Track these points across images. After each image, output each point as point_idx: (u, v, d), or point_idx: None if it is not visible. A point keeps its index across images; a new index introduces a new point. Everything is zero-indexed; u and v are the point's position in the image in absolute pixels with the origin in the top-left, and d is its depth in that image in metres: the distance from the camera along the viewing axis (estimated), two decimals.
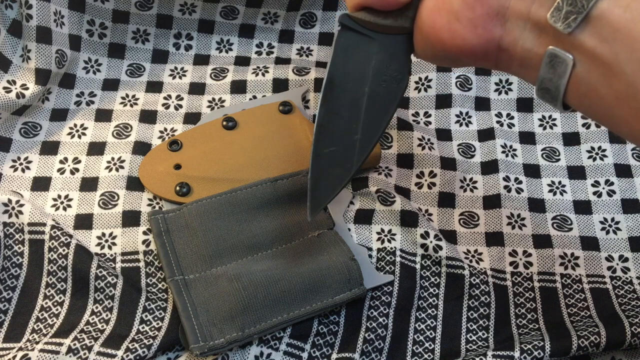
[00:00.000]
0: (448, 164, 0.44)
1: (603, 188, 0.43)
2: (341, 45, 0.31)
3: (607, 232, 0.41)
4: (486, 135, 0.46)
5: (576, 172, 0.44)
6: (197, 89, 0.47)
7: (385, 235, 0.40)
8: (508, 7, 0.25)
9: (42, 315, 0.35)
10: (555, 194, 0.43)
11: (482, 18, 0.26)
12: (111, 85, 0.47)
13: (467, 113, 0.47)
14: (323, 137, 0.32)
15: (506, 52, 0.26)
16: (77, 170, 0.42)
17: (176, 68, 0.48)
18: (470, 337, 0.36)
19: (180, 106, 0.46)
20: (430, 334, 0.36)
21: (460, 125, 0.46)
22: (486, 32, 0.26)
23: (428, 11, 0.28)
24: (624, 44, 0.22)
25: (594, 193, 0.43)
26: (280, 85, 0.47)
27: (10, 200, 0.38)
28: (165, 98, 0.46)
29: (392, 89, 0.31)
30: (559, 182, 0.44)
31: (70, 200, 0.40)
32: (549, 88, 0.25)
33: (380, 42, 0.31)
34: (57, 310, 0.35)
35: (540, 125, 0.47)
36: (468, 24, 0.26)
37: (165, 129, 0.45)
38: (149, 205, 0.41)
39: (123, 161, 0.42)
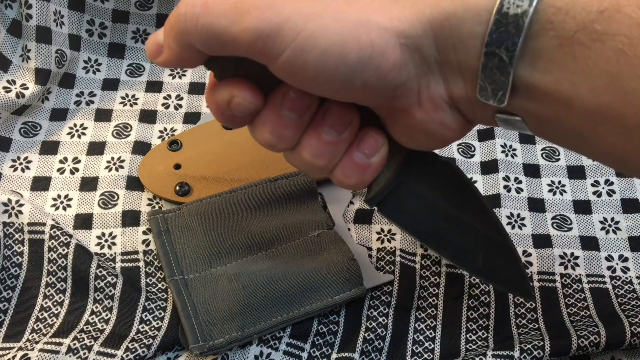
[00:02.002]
0: None
1: (603, 188, 0.43)
2: (391, 214, 0.31)
3: (607, 232, 0.41)
4: (486, 135, 0.46)
5: (576, 172, 0.44)
6: (197, 89, 0.47)
7: (385, 235, 0.40)
8: (451, 97, 0.25)
9: (42, 315, 0.35)
10: (555, 194, 0.43)
11: (445, 117, 0.26)
12: (111, 85, 0.47)
13: None
14: (466, 263, 0.32)
15: (474, 122, 0.27)
16: (77, 170, 0.42)
17: (176, 68, 0.48)
18: (470, 337, 0.36)
19: (180, 106, 0.46)
20: (430, 334, 0.36)
21: None
22: (454, 124, 0.26)
23: (405, 140, 0.28)
24: (559, 105, 0.23)
25: (594, 193, 0.43)
26: None
27: (10, 200, 0.38)
28: (165, 98, 0.46)
29: (452, 179, 0.31)
30: (559, 182, 0.44)
31: (70, 200, 0.40)
32: (519, 130, 0.26)
33: (405, 178, 0.30)
34: (57, 310, 0.35)
35: None
36: (439, 129, 0.26)
37: (165, 129, 0.45)
38: (149, 205, 0.41)
39: (123, 161, 0.42)
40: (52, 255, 0.37)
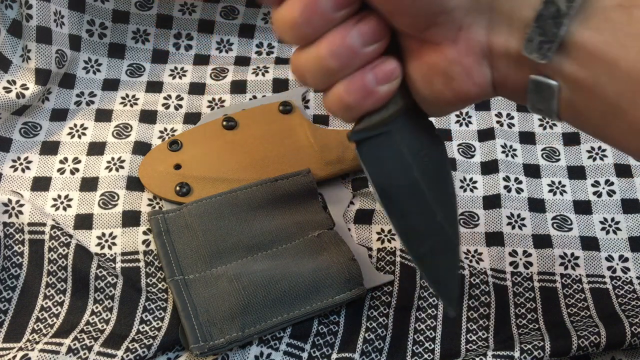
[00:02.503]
0: None
1: (603, 188, 0.43)
2: (367, 155, 0.30)
3: (607, 232, 0.41)
4: (486, 135, 0.46)
5: (576, 172, 0.44)
6: (197, 89, 0.47)
7: (385, 235, 0.40)
8: (490, 47, 0.25)
9: (42, 315, 0.35)
10: (555, 194, 0.43)
11: (472, 66, 0.26)
12: (111, 85, 0.47)
13: (467, 113, 0.47)
14: (412, 241, 0.31)
15: (500, 86, 0.27)
16: (77, 170, 0.42)
17: (176, 68, 0.48)
18: (470, 337, 0.36)
19: (180, 106, 0.46)
20: (430, 334, 0.36)
21: (460, 125, 0.46)
22: (480, 77, 0.26)
23: (420, 82, 0.28)
24: (602, 68, 0.22)
25: (594, 193, 0.43)
26: (280, 85, 0.47)
27: (10, 200, 0.38)
28: (165, 98, 0.46)
29: (436, 156, 0.31)
30: (559, 182, 0.44)
31: (70, 200, 0.40)
32: (541, 109, 0.26)
33: (396, 128, 0.30)
34: (57, 310, 0.35)
35: (540, 125, 0.47)
36: (463, 77, 0.26)
37: (165, 129, 0.45)
38: (149, 205, 0.41)
39: (123, 161, 0.42)
40: (52, 255, 0.37)
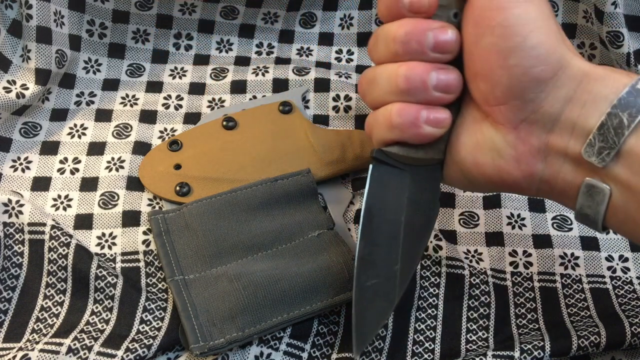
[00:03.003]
0: None
1: None
2: (375, 178, 0.32)
3: (607, 232, 0.41)
4: None
5: None
6: (197, 89, 0.47)
7: None
8: (548, 144, 0.28)
9: (42, 315, 0.35)
10: None
11: (524, 155, 0.28)
12: (111, 85, 0.47)
13: None
14: (364, 269, 0.31)
15: (547, 183, 0.29)
16: (77, 170, 0.42)
17: (176, 68, 0.48)
18: (470, 337, 0.36)
19: (180, 106, 0.46)
20: (430, 334, 0.36)
21: None
22: (529, 167, 0.29)
23: (468, 150, 0.30)
24: None
25: None
26: (280, 85, 0.47)
27: (10, 200, 0.38)
28: (165, 98, 0.46)
29: (426, 217, 0.32)
30: None
31: (70, 200, 0.40)
32: (588, 214, 0.28)
33: (412, 173, 0.32)
34: (57, 310, 0.35)
35: None
36: (511, 160, 0.29)
37: (165, 129, 0.45)
38: (149, 205, 0.41)
39: (123, 161, 0.42)
40: (52, 255, 0.37)
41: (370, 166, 0.32)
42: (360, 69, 0.49)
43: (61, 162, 0.42)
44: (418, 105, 0.30)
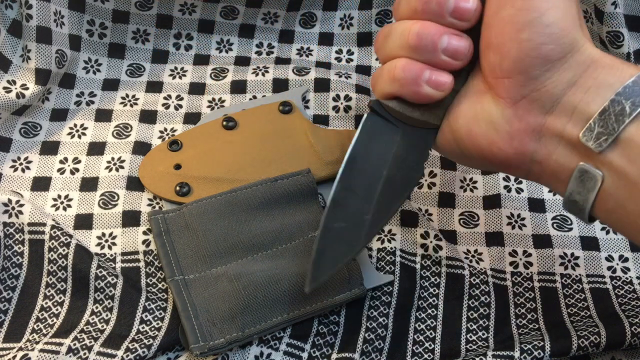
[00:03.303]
0: (448, 163, 0.44)
1: None
2: (367, 127, 0.33)
3: (607, 232, 0.41)
4: None
5: None
6: (197, 89, 0.47)
7: (385, 235, 0.40)
8: (544, 124, 0.28)
9: (42, 315, 0.35)
10: (555, 193, 0.43)
11: (519, 132, 0.28)
12: (111, 85, 0.47)
13: None
14: (335, 212, 0.32)
15: (539, 164, 0.29)
16: (77, 170, 0.42)
17: (176, 68, 0.48)
18: (470, 337, 0.36)
19: (180, 106, 0.46)
20: (430, 334, 0.36)
21: None
22: (522, 145, 0.29)
23: (465, 119, 0.30)
24: None
25: None
26: (280, 85, 0.47)
27: (10, 200, 0.38)
28: (165, 98, 0.46)
29: (408, 177, 0.33)
30: None
31: (70, 200, 0.40)
32: (577, 201, 0.28)
33: (404, 132, 0.32)
34: (57, 310, 0.35)
35: None
36: (505, 135, 0.29)
37: (165, 129, 0.45)
38: (149, 205, 0.41)
39: (123, 161, 0.42)
40: (52, 255, 0.37)
41: (365, 114, 0.33)
42: (360, 69, 0.49)
43: (61, 162, 0.42)
44: (423, 65, 0.30)
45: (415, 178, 0.33)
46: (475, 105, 0.30)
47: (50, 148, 0.43)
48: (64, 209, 0.40)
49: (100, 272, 0.36)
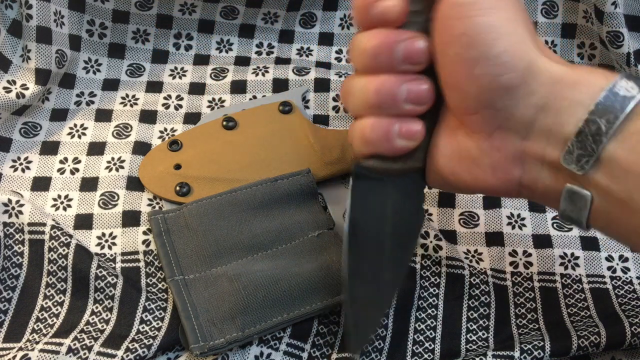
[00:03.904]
0: None
1: None
2: (357, 192, 0.32)
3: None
4: None
5: None
6: (197, 89, 0.47)
7: None
8: (524, 150, 0.27)
9: (42, 315, 0.35)
10: None
11: (500, 162, 0.28)
12: (111, 85, 0.47)
13: None
14: (355, 283, 0.32)
15: (527, 188, 0.28)
16: (77, 170, 0.42)
17: (176, 68, 0.48)
18: (470, 337, 0.36)
19: (180, 106, 0.46)
20: (430, 334, 0.36)
21: None
22: (506, 174, 0.28)
23: (445, 158, 0.30)
24: (635, 184, 0.24)
25: None
26: (280, 85, 0.47)
27: (10, 200, 0.38)
28: (165, 98, 0.46)
29: (411, 223, 0.32)
30: None
31: (70, 200, 0.40)
32: (572, 217, 0.27)
33: (393, 184, 0.31)
34: (57, 310, 0.35)
35: None
36: (487, 168, 0.28)
37: (165, 129, 0.45)
38: (149, 205, 0.41)
39: (123, 161, 0.42)
40: (52, 255, 0.37)
41: (351, 181, 0.32)
42: None
43: (61, 162, 0.42)
44: (390, 120, 0.29)
45: (419, 220, 0.33)
46: (451, 143, 0.29)
47: (50, 148, 0.43)
48: (64, 209, 0.40)
49: (100, 272, 0.36)
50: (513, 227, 0.41)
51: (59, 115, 0.45)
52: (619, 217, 0.25)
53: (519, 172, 0.28)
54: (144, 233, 0.39)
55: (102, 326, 0.35)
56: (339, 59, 0.50)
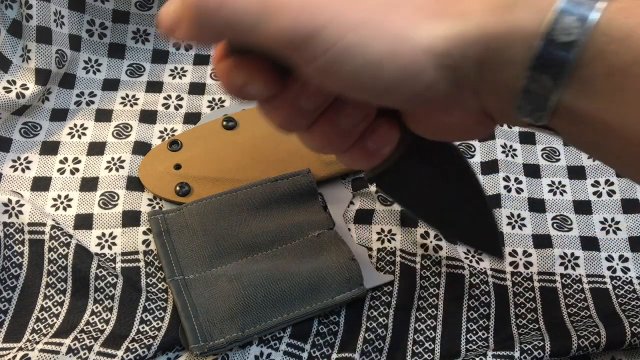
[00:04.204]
0: None
1: (603, 188, 0.43)
2: (386, 189, 0.32)
3: (607, 232, 0.41)
4: None
5: (576, 172, 0.44)
6: (197, 89, 0.47)
7: (385, 235, 0.40)
8: (483, 108, 0.24)
9: (42, 315, 0.35)
10: (555, 194, 0.43)
11: (471, 124, 0.25)
12: (111, 85, 0.47)
13: None
14: (445, 228, 0.34)
15: (502, 124, 0.28)
16: (77, 170, 0.42)
17: (176, 68, 0.48)
18: (470, 337, 0.36)
19: (180, 106, 0.46)
20: (430, 334, 0.36)
21: None
22: (481, 131, 0.26)
23: (422, 132, 0.27)
24: (603, 130, 0.22)
25: (594, 193, 0.43)
26: None
27: (10, 200, 0.38)
28: (165, 98, 0.46)
29: (451, 158, 0.31)
30: (559, 182, 0.44)
31: (70, 200, 0.40)
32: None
33: (403, 162, 0.30)
34: (57, 310, 0.35)
35: None
36: (463, 132, 0.26)
37: (165, 129, 0.45)
38: (149, 205, 0.41)
39: (123, 161, 0.42)
40: (52, 255, 0.37)
41: (375, 186, 0.33)
42: None
43: (61, 162, 0.42)
44: (360, 142, 0.28)
45: (454, 151, 0.31)
46: (420, 124, 0.27)
47: (50, 148, 0.43)
48: (64, 209, 0.40)
49: (100, 272, 0.36)
50: (513, 227, 0.41)
51: (59, 115, 0.45)
52: (592, 148, 0.24)
53: (492, 119, 0.25)
54: (144, 233, 0.39)
55: (102, 326, 0.35)
56: None
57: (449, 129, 0.26)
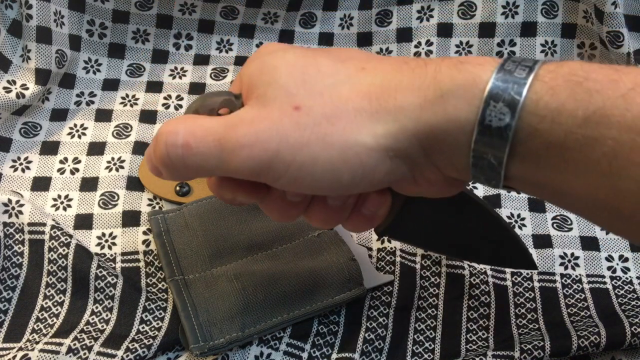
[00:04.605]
0: None
1: None
2: (398, 236, 0.34)
3: (607, 232, 0.41)
4: None
5: None
6: (197, 89, 0.47)
7: None
8: (446, 176, 0.25)
9: (42, 315, 0.35)
10: None
11: (444, 186, 0.26)
12: (111, 85, 0.47)
13: None
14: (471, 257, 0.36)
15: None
16: (77, 170, 0.42)
17: (176, 68, 0.48)
18: (470, 337, 0.36)
19: (180, 106, 0.46)
20: (430, 334, 0.36)
21: None
22: (456, 189, 0.27)
23: (408, 193, 0.28)
24: (554, 192, 0.23)
25: None
26: None
27: (10, 200, 0.38)
28: (165, 98, 0.46)
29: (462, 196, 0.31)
30: None
31: (70, 200, 0.40)
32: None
33: (403, 211, 0.31)
34: (57, 310, 0.35)
35: None
36: (441, 192, 0.27)
37: None
38: (149, 205, 0.41)
39: (123, 161, 0.42)
40: (52, 255, 0.37)
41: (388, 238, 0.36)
42: None
43: (61, 162, 0.42)
44: (356, 210, 0.29)
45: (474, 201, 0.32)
46: (407, 190, 0.27)
47: (50, 148, 0.43)
48: (64, 209, 0.40)
49: (100, 272, 0.36)
50: (513, 227, 0.41)
51: (59, 115, 0.45)
52: (554, 203, 0.25)
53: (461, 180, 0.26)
54: (144, 233, 0.39)
55: (102, 326, 0.35)
56: None
57: (426, 192, 0.27)
